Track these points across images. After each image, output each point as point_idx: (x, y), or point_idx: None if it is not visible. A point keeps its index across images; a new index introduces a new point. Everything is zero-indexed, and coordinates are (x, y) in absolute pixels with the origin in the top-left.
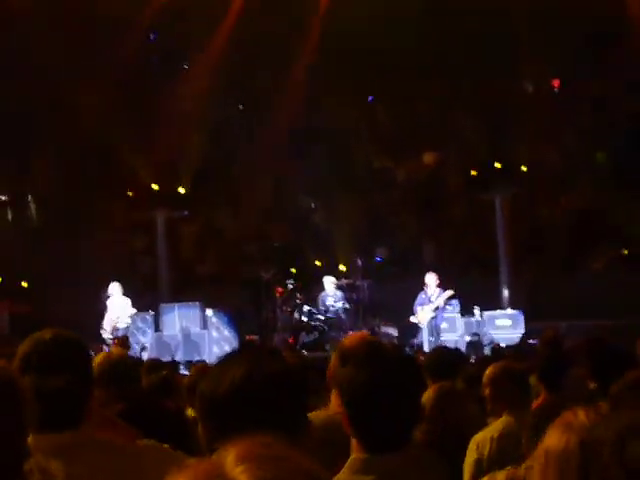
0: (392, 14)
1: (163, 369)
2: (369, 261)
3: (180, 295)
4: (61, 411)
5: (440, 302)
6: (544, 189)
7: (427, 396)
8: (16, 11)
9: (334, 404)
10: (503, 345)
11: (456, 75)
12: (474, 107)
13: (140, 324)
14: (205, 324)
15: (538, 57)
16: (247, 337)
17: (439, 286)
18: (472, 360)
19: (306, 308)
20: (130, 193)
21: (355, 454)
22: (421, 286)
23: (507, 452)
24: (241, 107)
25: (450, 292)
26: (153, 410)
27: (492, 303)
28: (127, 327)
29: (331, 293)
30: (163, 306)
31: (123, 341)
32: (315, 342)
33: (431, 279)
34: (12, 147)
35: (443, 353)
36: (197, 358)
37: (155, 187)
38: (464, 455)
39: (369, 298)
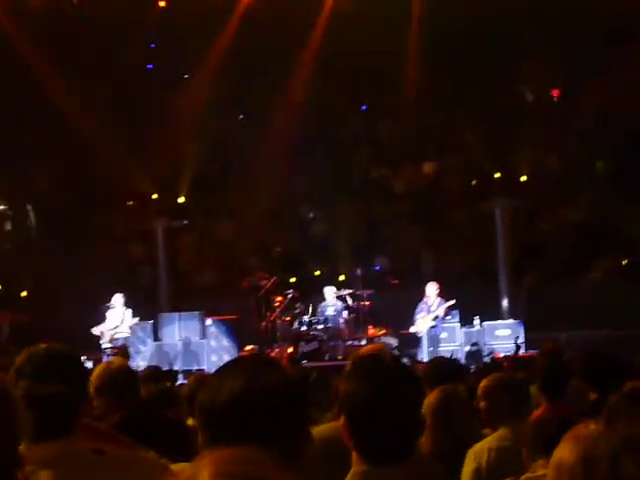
0: (392, 24)
1: (162, 378)
2: (369, 271)
3: (179, 304)
4: (52, 419)
5: (440, 312)
6: (544, 199)
7: (428, 401)
8: (18, 22)
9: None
10: (502, 355)
11: (456, 85)
12: (474, 117)
13: (140, 333)
14: (204, 333)
15: (538, 67)
16: (246, 347)
17: (439, 296)
18: (472, 370)
19: (305, 318)
20: (130, 203)
21: (356, 467)
22: (421, 296)
23: (505, 464)
24: (241, 117)
25: (451, 302)
26: (153, 420)
27: (492, 313)
28: (126, 337)
29: (331, 303)
30: (162, 315)
31: (123, 351)
32: (314, 352)
33: (432, 289)
34: (12, 158)
35: (442, 363)
36: (196, 367)
37: (154, 197)
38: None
39: (369, 308)
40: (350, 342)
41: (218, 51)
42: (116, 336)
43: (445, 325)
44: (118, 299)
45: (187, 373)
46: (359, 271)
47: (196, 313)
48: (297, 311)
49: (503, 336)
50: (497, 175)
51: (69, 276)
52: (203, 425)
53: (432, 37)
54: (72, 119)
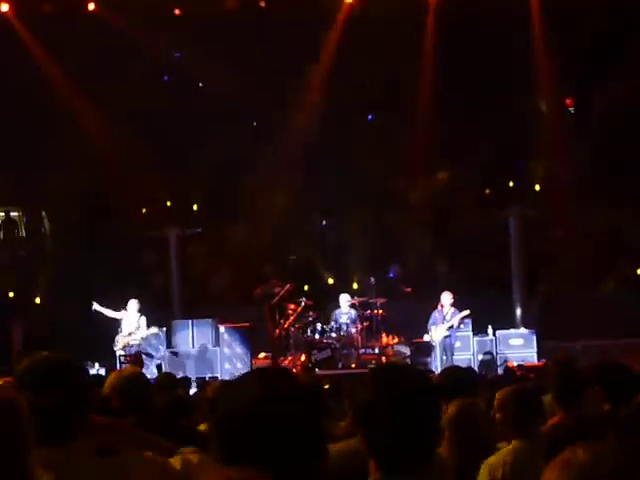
0: (406, 32)
1: (176, 385)
2: (382, 279)
3: (193, 311)
4: (52, 429)
5: (455, 321)
6: (558, 208)
7: (447, 414)
8: (33, 32)
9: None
10: (516, 364)
11: (470, 93)
12: (489, 126)
13: (153, 340)
14: (217, 341)
15: (552, 75)
16: (259, 354)
17: (454, 305)
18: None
19: (319, 326)
20: (143, 210)
21: (372, 476)
22: (434, 304)
23: (520, 477)
24: (254, 124)
25: (466, 312)
26: (166, 428)
27: (505, 322)
28: (140, 344)
29: (345, 311)
30: (176, 322)
31: (136, 358)
32: (327, 360)
33: (446, 298)
34: (27, 165)
35: (456, 373)
36: (209, 375)
37: (168, 204)
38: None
39: (382, 316)
40: (363, 350)
41: (232, 57)
42: (131, 343)
43: (458, 334)
44: (133, 305)
45: (200, 380)
46: (373, 279)
47: (209, 320)
48: (310, 319)
49: (516, 345)
50: (511, 184)
51: (82, 283)
52: (218, 435)
53: (446, 46)
54: (87, 127)
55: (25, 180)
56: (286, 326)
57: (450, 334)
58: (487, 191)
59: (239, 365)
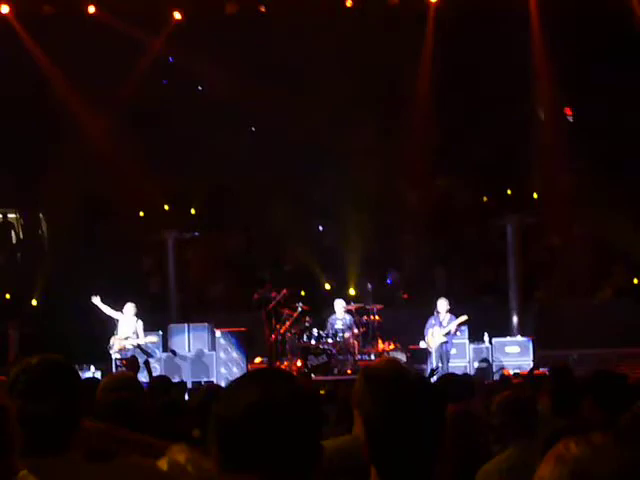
0: (406, 38)
1: (171, 389)
2: (379, 285)
3: (189, 316)
4: (45, 437)
5: (453, 327)
6: (555, 216)
7: None
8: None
9: (358, 429)
10: (512, 372)
11: (469, 101)
12: (487, 133)
13: (150, 344)
14: (214, 345)
15: (551, 83)
16: (255, 359)
17: (450, 312)
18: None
19: (315, 331)
20: (141, 214)
21: None
22: (431, 311)
23: None
24: (252, 129)
25: (464, 317)
26: (159, 432)
27: (502, 330)
28: (135, 348)
29: (340, 317)
30: (172, 326)
31: (132, 362)
32: (323, 366)
33: (442, 305)
34: (24, 166)
35: (452, 380)
36: (205, 379)
37: (166, 208)
38: None
39: (378, 322)
40: (359, 356)
41: (232, 61)
42: (127, 347)
43: (455, 341)
44: (130, 309)
45: (196, 385)
46: (370, 285)
47: (206, 325)
48: (306, 325)
49: (513, 353)
50: (509, 192)
51: (79, 285)
52: (217, 438)
53: (445, 53)
54: (86, 129)
55: (23, 182)
56: (282, 331)
57: (447, 340)
58: (485, 198)
59: (235, 370)
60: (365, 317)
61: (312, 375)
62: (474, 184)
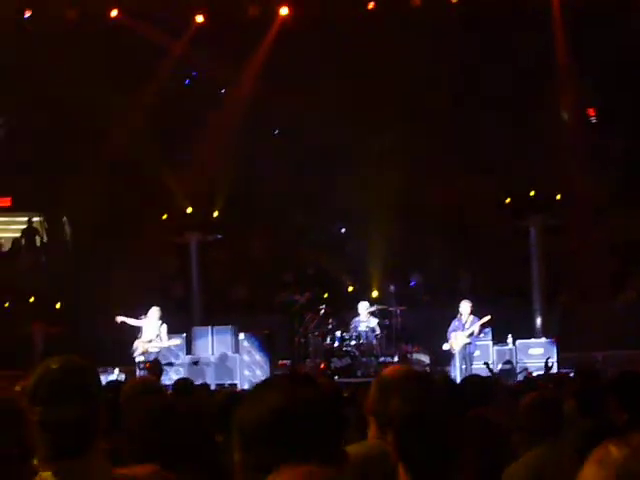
0: (426, 40)
1: (193, 391)
2: (402, 287)
3: (212, 318)
4: (68, 441)
5: (476, 328)
6: (579, 217)
7: None
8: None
9: (372, 434)
10: (536, 374)
11: (492, 101)
12: (509, 135)
13: (173, 347)
14: (237, 348)
15: (575, 85)
16: (279, 362)
17: (472, 313)
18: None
19: (338, 333)
20: (164, 217)
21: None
22: (454, 313)
23: None
24: (276, 132)
25: (487, 318)
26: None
27: (525, 331)
28: (159, 351)
29: (364, 319)
30: (196, 329)
31: (154, 365)
32: (347, 368)
33: (465, 307)
34: (48, 171)
35: (474, 383)
36: (229, 382)
37: (189, 211)
38: None
39: (402, 324)
40: (382, 359)
41: (254, 66)
42: (151, 350)
43: (478, 343)
44: (154, 313)
45: (220, 387)
46: (392, 287)
47: (229, 327)
48: (330, 327)
49: (536, 354)
50: (532, 193)
51: (103, 289)
52: (240, 442)
53: (467, 51)
54: (108, 132)
55: (46, 186)
56: (305, 334)
57: (471, 342)
58: (508, 200)
59: (258, 372)
60: (388, 319)
61: (335, 377)
62: (497, 185)
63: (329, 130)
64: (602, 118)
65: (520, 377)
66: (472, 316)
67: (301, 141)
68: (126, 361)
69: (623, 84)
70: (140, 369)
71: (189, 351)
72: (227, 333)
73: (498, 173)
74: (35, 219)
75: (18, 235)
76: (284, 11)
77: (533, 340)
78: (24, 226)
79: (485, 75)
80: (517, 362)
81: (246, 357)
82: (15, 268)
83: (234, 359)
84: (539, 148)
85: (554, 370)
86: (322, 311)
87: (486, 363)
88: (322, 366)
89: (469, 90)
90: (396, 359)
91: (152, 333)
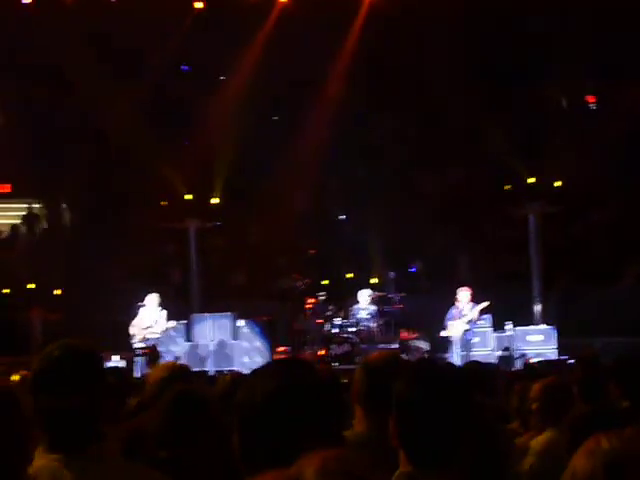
0: (425, 30)
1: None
2: (402, 274)
3: (211, 305)
4: (72, 431)
5: (475, 314)
6: (577, 204)
7: None
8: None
9: (358, 422)
10: (535, 360)
11: (490, 88)
12: (508, 121)
13: (172, 333)
14: (236, 335)
15: (574, 71)
16: (278, 348)
17: (471, 300)
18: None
19: (337, 320)
20: (163, 203)
21: (402, 468)
22: (454, 300)
23: (551, 465)
24: (274, 118)
25: (485, 304)
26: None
27: (524, 318)
28: (158, 338)
29: (363, 306)
30: (195, 316)
31: (153, 351)
32: (346, 355)
33: (463, 294)
34: (47, 157)
35: (477, 367)
36: (228, 368)
37: (188, 197)
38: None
39: (401, 311)
40: (382, 345)
41: (253, 52)
42: (148, 336)
43: (477, 330)
44: (153, 299)
45: (219, 374)
46: (392, 274)
47: (228, 314)
48: (329, 313)
49: (535, 341)
50: (531, 180)
51: (102, 275)
52: (240, 426)
53: (465, 39)
54: (107, 119)
55: (46, 173)
56: (305, 320)
57: (469, 328)
58: (507, 187)
59: (258, 358)
60: (388, 306)
61: (335, 364)
62: (496, 172)
63: (328, 116)
64: (602, 104)
65: (518, 363)
66: (471, 303)
67: (299, 127)
68: (125, 348)
69: (623, 71)
70: (138, 355)
71: (188, 338)
72: (226, 320)
73: (496, 160)
74: (34, 205)
75: (18, 222)
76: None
77: (532, 327)
78: (23, 212)
79: (483, 61)
80: (516, 349)
81: (245, 344)
82: (14, 254)
83: (233, 346)
84: (538, 134)
85: (554, 357)
86: (322, 298)
87: (507, 348)
88: (321, 353)
89: (466, 76)
90: (395, 346)
91: (150, 319)
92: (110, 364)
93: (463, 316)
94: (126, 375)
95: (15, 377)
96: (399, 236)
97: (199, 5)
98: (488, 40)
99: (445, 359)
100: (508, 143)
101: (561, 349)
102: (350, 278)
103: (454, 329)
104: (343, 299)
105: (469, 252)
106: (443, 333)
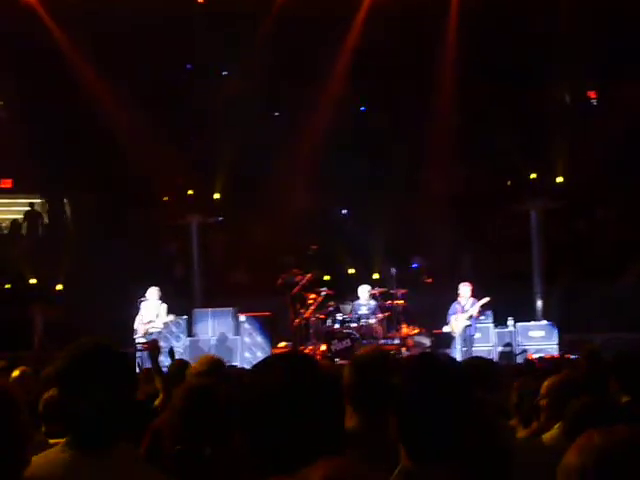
0: (426, 28)
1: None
2: (403, 270)
3: (213, 301)
4: (96, 431)
5: (475, 310)
6: (580, 200)
7: None
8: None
9: (348, 418)
10: (536, 356)
11: (493, 84)
12: (510, 117)
13: (174, 329)
14: (238, 330)
15: (576, 67)
16: (279, 344)
17: (473, 296)
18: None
19: (339, 316)
20: (165, 198)
21: (403, 462)
22: (455, 296)
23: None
24: (276, 114)
25: (486, 299)
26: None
27: (526, 314)
28: (159, 332)
29: (364, 302)
30: (196, 311)
31: (153, 345)
32: (347, 350)
33: (465, 289)
34: (49, 153)
35: (478, 362)
36: (229, 364)
37: (190, 193)
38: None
39: (403, 307)
40: (383, 341)
41: (255, 48)
42: (150, 331)
43: (479, 325)
44: (153, 293)
45: None
46: (394, 270)
47: (230, 309)
48: (331, 309)
49: (536, 337)
50: (533, 176)
51: (103, 270)
52: (242, 422)
53: (468, 36)
54: (109, 115)
55: (48, 168)
56: (306, 316)
57: (471, 324)
58: (509, 183)
59: (259, 354)
60: (389, 301)
61: (336, 359)
62: (497, 169)
63: (330, 112)
64: (604, 100)
65: (519, 359)
66: (472, 299)
67: (302, 123)
68: (126, 343)
69: (626, 68)
70: (139, 350)
71: (190, 333)
72: (228, 315)
73: (498, 156)
74: (36, 201)
75: (19, 217)
76: None
77: (533, 323)
78: (25, 208)
79: (485, 58)
80: (517, 345)
81: (247, 339)
82: (15, 250)
83: (235, 341)
84: (540, 131)
85: (555, 353)
86: (323, 293)
87: (508, 344)
88: (323, 348)
89: (469, 73)
90: (397, 341)
91: (152, 314)
92: None
93: (465, 311)
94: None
95: (15, 373)
96: (401, 233)
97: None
98: (489, 38)
99: (447, 354)
100: (510, 140)
101: (562, 345)
102: (352, 274)
103: (456, 324)
104: (345, 295)
105: (471, 248)
106: (445, 329)
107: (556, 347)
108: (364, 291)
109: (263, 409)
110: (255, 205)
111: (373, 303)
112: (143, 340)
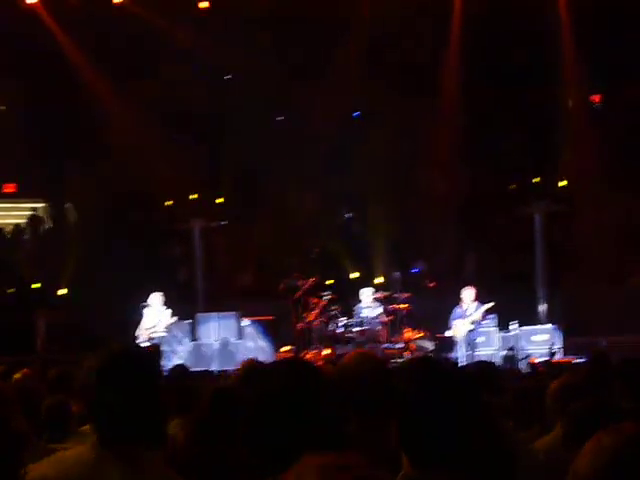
0: (433, 19)
1: (188, 377)
2: (407, 273)
3: (216, 305)
4: (127, 432)
5: (479, 315)
6: (583, 203)
7: None
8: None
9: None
10: (539, 360)
11: (497, 87)
12: (514, 121)
13: (177, 333)
14: (241, 334)
15: (579, 71)
16: (282, 348)
17: (476, 300)
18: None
19: (342, 320)
20: (168, 202)
21: (406, 469)
22: (459, 300)
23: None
24: (280, 118)
25: (490, 304)
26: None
27: (530, 318)
28: (162, 337)
29: (365, 305)
30: (200, 315)
31: (154, 350)
32: None
33: (467, 294)
34: (52, 157)
35: (482, 367)
36: (232, 368)
37: (193, 197)
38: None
39: (406, 311)
40: (387, 345)
41: (261, 48)
42: (153, 335)
43: (482, 329)
44: (156, 298)
45: (223, 373)
46: (397, 274)
47: (233, 313)
48: (334, 313)
49: (539, 341)
50: (536, 180)
51: (106, 275)
52: (246, 425)
53: (472, 38)
54: (112, 118)
55: (50, 173)
56: (309, 320)
57: (474, 328)
58: (512, 186)
59: (262, 359)
60: (392, 305)
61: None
62: (501, 171)
63: (335, 115)
64: (607, 104)
65: (523, 363)
66: (475, 303)
67: (305, 127)
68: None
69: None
70: None
71: (193, 337)
72: (231, 319)
73: (502, 159)
74: (39, 205)
75: (22, 221)
76: None
77: (538, 326)
78: (28, 212)
79: (490, 61)
80: (521, 349)
81: (250, 343)
82: (19, 254)
83: (238, 345)
84: (544, 133)
85: (558, 357)
86: (327, 297)
87: (512, 348)
88: (325, 352)
89: (474, 76)
90: (400, 345)
91: (155, 319)
92: None
93: (467, 316)
94: None
95: (17, 375)
96: (405, 236)
97: (204, 5)
98: (493, 40)
99: (450, 359)
100: (514, 142)
101: (566, 349)
102: (355, 278)
103: (458, 329)
104: (348, 299)
105: (475, 252)
106: (448, 333)
107: (560, 351)
108: (366, 294)
109: (263, 410)
110: (258, 209)
111: (376, 306)
112: (146, 344)
